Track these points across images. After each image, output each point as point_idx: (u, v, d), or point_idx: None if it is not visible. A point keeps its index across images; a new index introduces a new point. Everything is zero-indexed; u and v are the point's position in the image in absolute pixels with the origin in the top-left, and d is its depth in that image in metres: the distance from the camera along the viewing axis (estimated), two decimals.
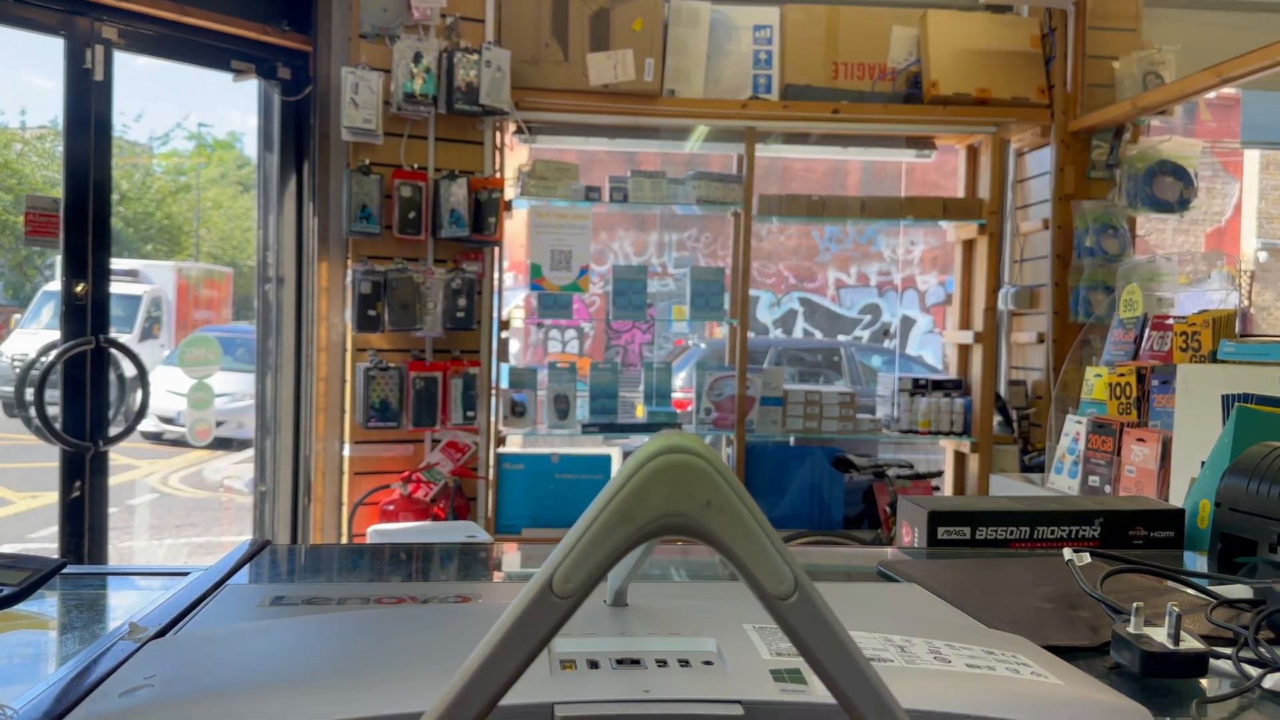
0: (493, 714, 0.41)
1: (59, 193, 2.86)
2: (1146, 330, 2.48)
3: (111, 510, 3.06)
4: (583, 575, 0.41)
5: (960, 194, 4.18)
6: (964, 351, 4.17)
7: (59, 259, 2.92)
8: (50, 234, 2.86)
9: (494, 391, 3.71)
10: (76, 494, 2.88)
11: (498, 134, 3.69)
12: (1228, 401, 1.53)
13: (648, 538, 0.42)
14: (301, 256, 3.53)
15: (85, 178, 2.87)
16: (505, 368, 3.79)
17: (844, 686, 0.42)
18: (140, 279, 9.39)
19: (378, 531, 3.31)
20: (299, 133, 3.51)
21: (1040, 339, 3.97)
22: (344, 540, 3.51)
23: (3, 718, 0.54)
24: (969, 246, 4.12)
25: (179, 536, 5.80)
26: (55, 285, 3.02)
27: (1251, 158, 12.48)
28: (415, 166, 3.48)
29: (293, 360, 3.54)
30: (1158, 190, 3.81)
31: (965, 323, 4.14)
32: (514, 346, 9.80)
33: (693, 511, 0.42)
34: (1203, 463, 1.28)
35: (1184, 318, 2.27)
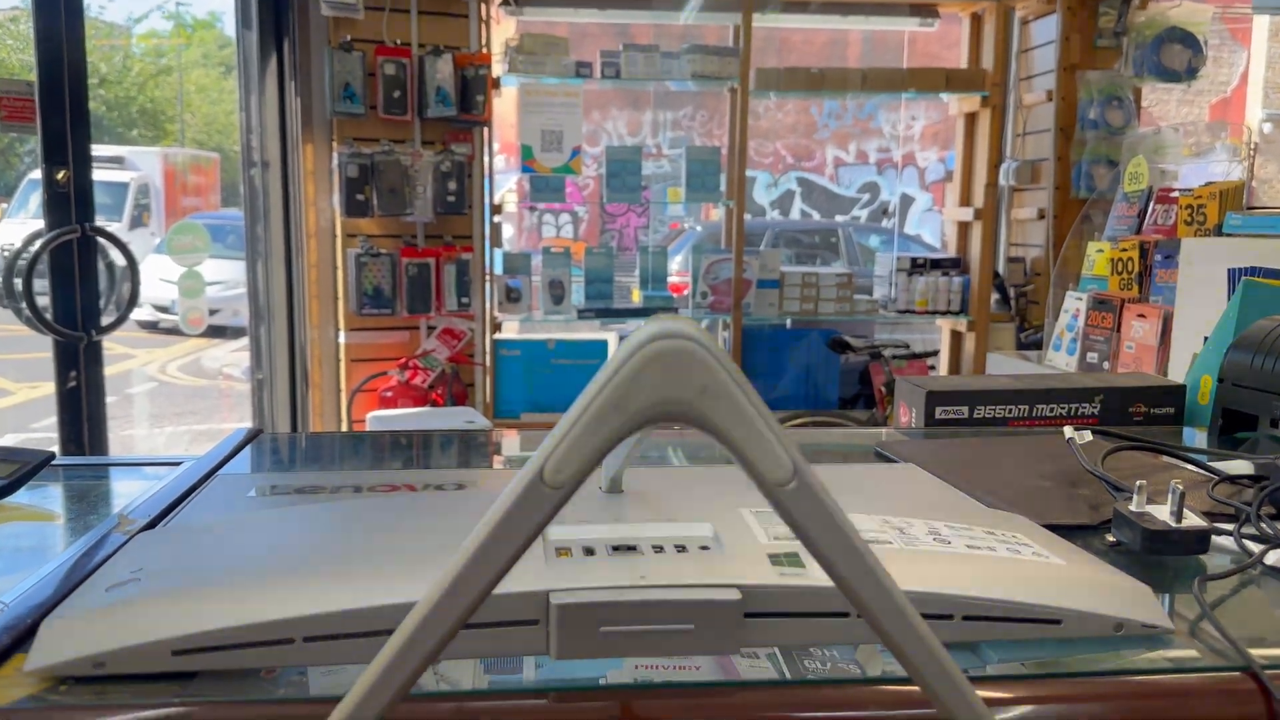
0: (487, 602, 0.40)
1: (33, 76, 2.76)
2: (1151, 204, 2.44)
3: (110, 400, 3.06)
4: (575, 465, 0.40)
5: (963, 65, 4.05)
6: (963, 229, 4.12)
7: (38, 145, 2.84)
8: (26, 119, 2.77)
9: (488, 277, 3.67)
10: (73, 384, 2.87)
11: (483, 6, 3.55)
12: (1233, 275, 1.50)
13: (641, 425, 0.41)
14: (285, 139, 3.44)
15: (59, 59, 2.76)
16: (499, 253, 3.74)
17: (843, 572, 0.41)
18: (126, 166, 9.22)
19: (377, 418, 3.33)
20: (278, 9, 3.37)
21: (1040, 215, 3.92)
22: (344, 427, 3.53)
23: None
24: (971, 120, 4.03)
25: (179, 424, 5.84)
26: (39, 173, 2.96)
27: (1260, 24, 12.10)
28: (398, 43, 3.36)
29: (282, 247, 3.49)
30: (1165, 59, 3.70)
31: (965, 199, 4.07)
32: (507, 231, 9.69)
33: (688, 398, 0.40)
34: (1205, 338, 1.27)
35: (1190, 190, 2.22)
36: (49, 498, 0.81)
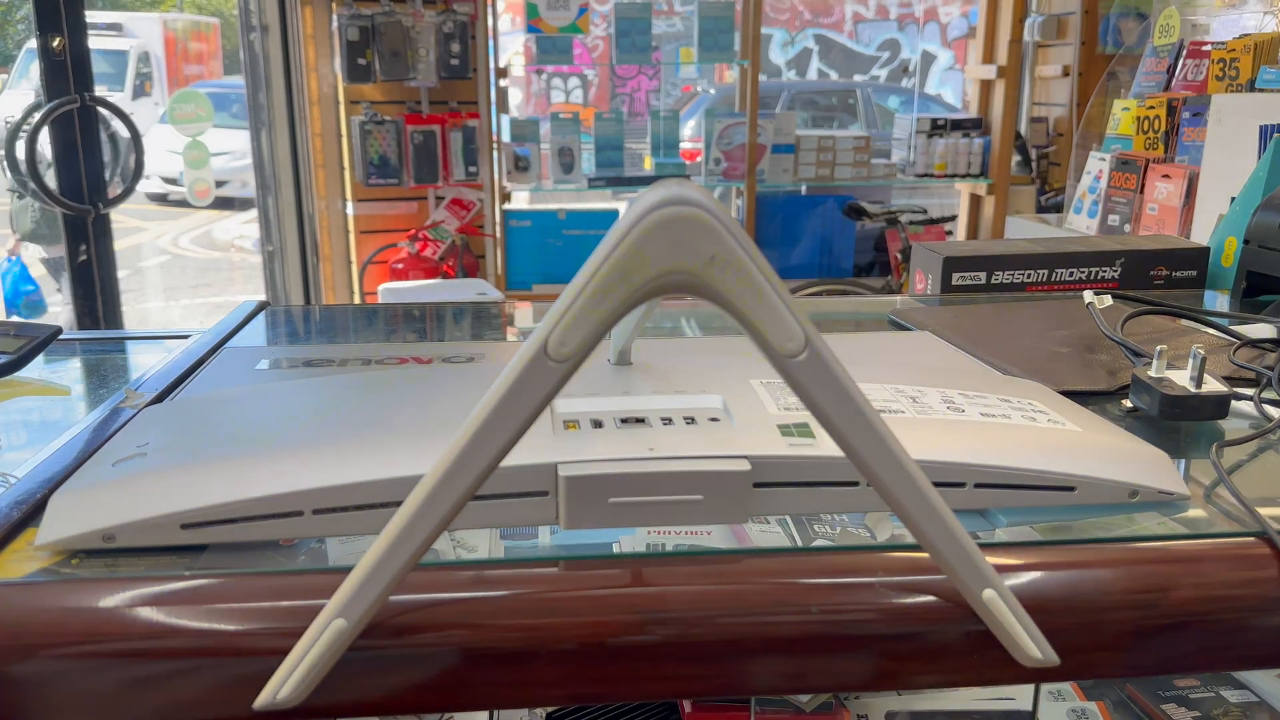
0: (495, 475, 0.40)
1: None
2: (1181, 58, 2.34)
3: (124, 273, 3.06)
4: (579, 338, 0.39)
5: None
6: (985, 88, 3.99)
7: (31, 11, 2.75)
8: None
9: (495, 144, 3.60)
10: (83, 258, 2.87)
11: None
12: (1265, 133, 1.45)
13: (647, 297, 0.39)
14: (284, 1, 3.32)
15: None
16: (506, 119, 3.66)
17: (855, 444, 0.40)
18: (125, 33, 8.96)
19: (388, 290, 3.32)
20: None
21: (1065, 72, 3.79)
22: (356, 299, 3.53)
23: (3, 485, 0.53)
24: None
25: (194, 297, 5.86)
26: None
27: None
28: None
29: (285, 115, 3.41)
30: None
31: (988, 56, 3.93)
32: (515, 97, 9.46)
33: (695, 268, 0.39)
34: (1232, 199, 1.23)
35: (1222, 44, 2.13)
36: (58, 372, 0.81)
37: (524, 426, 0.39)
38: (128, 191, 3.01)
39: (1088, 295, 0.85)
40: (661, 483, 0.46)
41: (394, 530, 0.39)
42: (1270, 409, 0.65)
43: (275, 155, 3.44)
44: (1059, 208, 3.69)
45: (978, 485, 0.50)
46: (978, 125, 3.97)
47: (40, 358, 0.79)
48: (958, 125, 3.98)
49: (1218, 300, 1.08)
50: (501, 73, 3.57)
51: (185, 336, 0.88)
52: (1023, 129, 4.02)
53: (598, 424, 0.51)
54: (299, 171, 3.46)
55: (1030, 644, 0.42)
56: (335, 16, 3.26)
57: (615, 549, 0.49)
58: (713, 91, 7.72)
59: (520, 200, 3.95)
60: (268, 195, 3.50)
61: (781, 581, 0.46)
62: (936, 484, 0.49)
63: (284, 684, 0.39)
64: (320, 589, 0.42)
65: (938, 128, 3.96)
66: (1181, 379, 0.63)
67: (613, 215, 3.84)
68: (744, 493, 0.47)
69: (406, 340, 0.91)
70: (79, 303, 2.88)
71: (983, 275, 1.10)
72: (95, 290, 2.89)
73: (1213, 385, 0.62)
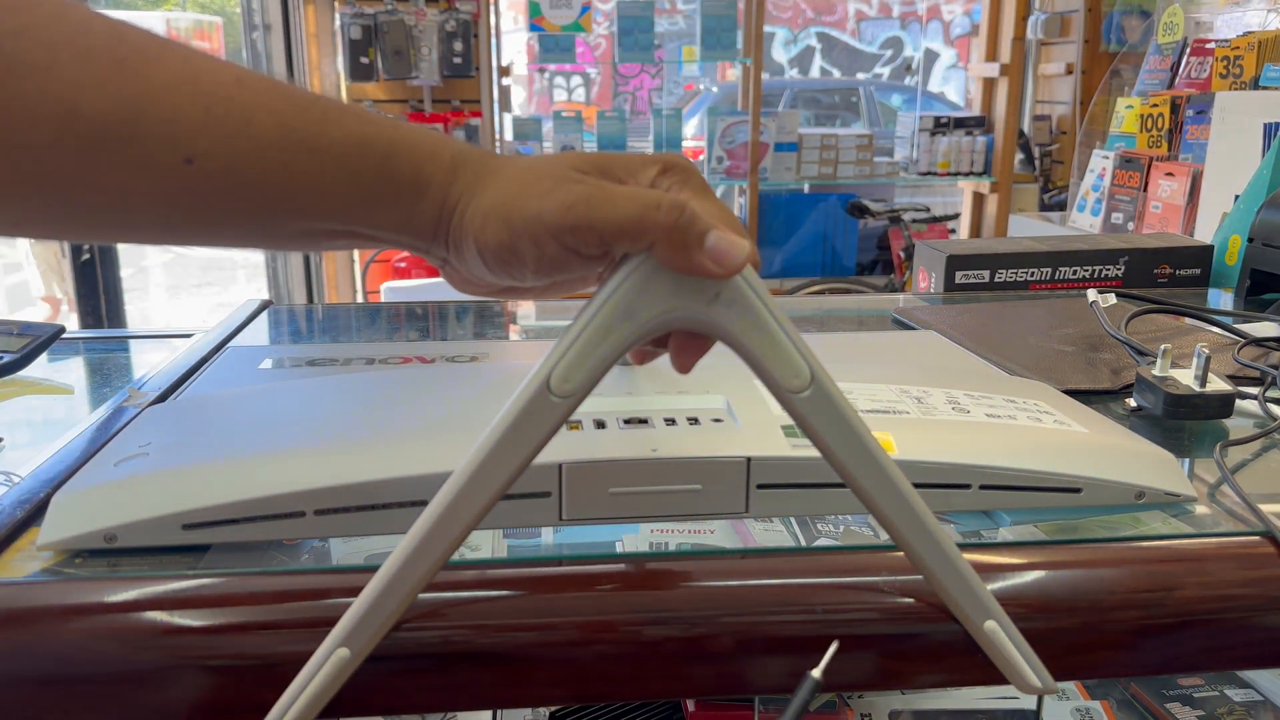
0: None
1: None
2: (1184, 56, 2.34)
3: (127, 272, 3.06)
4: (582, 375, 0.39)
5: None
6: (988, 86, 3.99)
7: None
8: None
9: (498, 143, 3.59)
10: (86, 256, 2.87)
11: None
12: (1269, 131, 1.44)
13: (651, 335, 0.39)
14: (286, 0, 3.33)
15: None
16: (509, 118, 3.65)
17: (859, 479, 0.40)
18: None
19: (391, 289, 3.32)
20: None
21: (1068, 70, 3.78)
22: (359, 298, 3.53)
23: (6, 484, 0.53)
24: None
25: (197, 296, 5.86)
26: None
27: None
28: None
29: None
30: None
31: (991, 54, 3.92)
32: (518, 96, 9.44)
33: (699, 306, 0.39)
34: (1236, 197, 1.23)
35: (1226, 41, 2.12)
36: (61, 371, 0.81)
37: (526, 462, 0.39)
38: None
39: (1091, 294, 0.85)
40: (660, 471, 0.47)
41: (397, 561, 0.39)
42: (1275, 408, 0.65)
43: None
44: (1062, 206, 3.69)
45: (983, 487, 0.50)
46: (981, 123, 3.96)
47: (43, 357, 0.79)
48: (961, 123, 3.97)
49: (1222, 299, 1.08)
50: (504, 71, 3.57)
51: (188, 335, 0.88)
52: (1026, 127, 4.02)
53: (601, 424, 0.51)
54: None
55: (1031, 674, 0.42)
56: (338, 15, 3.26)
57: (618, 548, 0.49)
58: (715, 90, 7.71)
59: None
60: None
61: (785, 581, 0.45)
62: (941, 485, 0.49)
63: (286, 713, 0.38)
64: (323, 589, 0.42)
65: (941, 126, 3.96)
66: (1186, 378, 0.63)
67: None
68: (742, 481, 0.48)
69: (409, 339, 0.91)
70: (82, 302, 2.88)
71: (986, 274, 1.10)
72: (98, 290, 2.89)
73: (1217, 384, 0.62)
